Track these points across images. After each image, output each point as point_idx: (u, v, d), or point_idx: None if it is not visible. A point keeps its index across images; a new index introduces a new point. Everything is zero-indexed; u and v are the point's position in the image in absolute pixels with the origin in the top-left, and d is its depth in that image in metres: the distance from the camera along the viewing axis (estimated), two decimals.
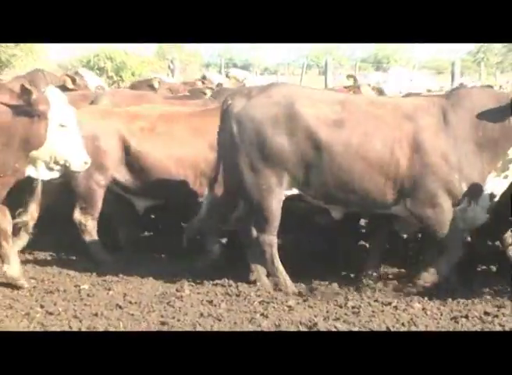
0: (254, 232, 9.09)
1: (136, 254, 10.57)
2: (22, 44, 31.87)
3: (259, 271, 9.16)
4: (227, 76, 12.73)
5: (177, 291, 9.01)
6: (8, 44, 31.58)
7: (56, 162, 8.76)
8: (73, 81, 13.39)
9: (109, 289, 9.07)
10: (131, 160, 10.38)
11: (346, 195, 8.88)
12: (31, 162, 8.74)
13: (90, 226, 10.29)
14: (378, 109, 8.88)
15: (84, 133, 9.24)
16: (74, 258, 10.49)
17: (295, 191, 9.01)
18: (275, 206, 8.93)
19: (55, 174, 8.95)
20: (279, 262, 9.11)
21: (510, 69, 40.92)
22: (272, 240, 9.03)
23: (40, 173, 8.83)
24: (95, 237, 10.32)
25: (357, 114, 8.80)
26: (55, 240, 10.89)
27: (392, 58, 64.06)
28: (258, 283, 9.08)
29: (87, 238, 10.31)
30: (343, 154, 8.70)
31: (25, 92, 8.31)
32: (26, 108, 8.35)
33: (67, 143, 8.71)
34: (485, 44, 44.01)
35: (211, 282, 9.28)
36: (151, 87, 14.19)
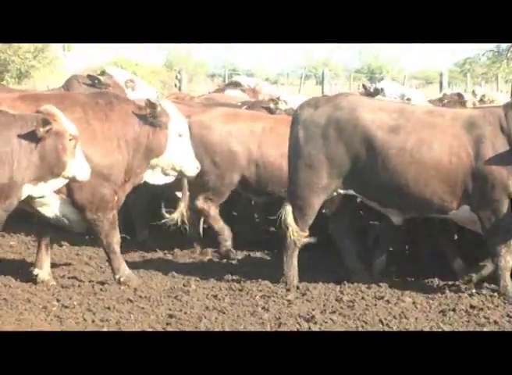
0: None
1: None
2: (39, 57, 31.84)
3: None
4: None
5: (184, 286, 9.03)
6: (28, 56, 31.56)
7: (173, 169, 8.98)
8: (99, 81, 13.25)
9: (121, 284, 9.08)
10: (255, 159, 10.60)
11: (400, 199, 8.86)
12: (150, 168, 8.98)
13: (213, 213, 10.57)
14: (436, 118, 8.85)
15: (217, 136, 9.92)
16: (88, 255, 10.50)
17: (351, 192, 9.03)
18: (316, 207, 9.02)
19: (170, 179, 9.23)
20: (296, 257, 9.14)
21: (493, 80, 40.84)
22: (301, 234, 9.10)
23: (157, 178, 8.99)
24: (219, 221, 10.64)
25: (414, 121, 8.79)
26: (71, 238, 10.91)
27: (385, 69, 64.00)
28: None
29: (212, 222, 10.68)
30: (397, 158, 8.70)
31: (150, 106, 8.43)
32: (151, 120, 8.50)
33: (183, 151, 8.95)
34: (471, 56, 43.99)
35: (215, 278, 9.31)
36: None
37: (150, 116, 8.70)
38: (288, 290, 8.85)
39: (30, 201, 8.40)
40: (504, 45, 41.65)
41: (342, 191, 9.02)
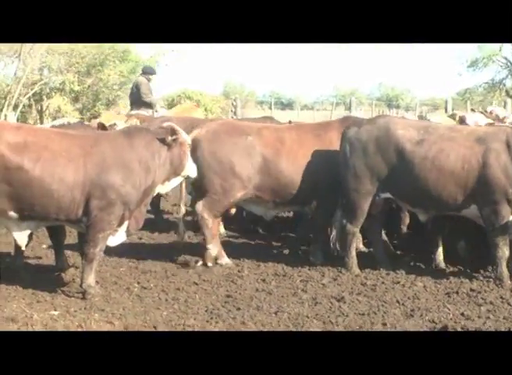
0: (344, 222, 9.07)
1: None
2: (123, 88, 31.98)
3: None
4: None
5: (238, 271, 9.02)
6: (114, 87, 31.68)
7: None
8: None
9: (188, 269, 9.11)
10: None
11: (424, 200, 8.79)
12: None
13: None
14: (454, 133, 8.77)
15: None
16: (162, 244, 10.54)
17: (388, 195, 8.97)
18: (365, 207, 8.96)
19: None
20: (354, 249, 9.13)
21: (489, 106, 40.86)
22: (355, 231, 9.08)
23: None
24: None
25: (436, 135, 8.71)
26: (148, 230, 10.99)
27: (400, 98, 63.77)
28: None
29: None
30: (421, 166, 8.65)
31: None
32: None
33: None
34: (470, 87, 43.78)
35: (264, 265, 9.30)
36: None
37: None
38: (323, 275, 8.81)
39: None
40: (497, 78, 41.36)
41: (382, 195, 8.97)
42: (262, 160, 9.27)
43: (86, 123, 13.74)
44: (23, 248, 8.23)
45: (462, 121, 11.42)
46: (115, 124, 10.59)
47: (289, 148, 9.37)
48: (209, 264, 9.20)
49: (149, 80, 15.84)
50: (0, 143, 7.45)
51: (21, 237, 7.92)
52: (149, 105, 15.19)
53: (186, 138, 8.34)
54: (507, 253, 8.49)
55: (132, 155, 7.90)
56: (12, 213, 7.62)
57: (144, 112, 14.12)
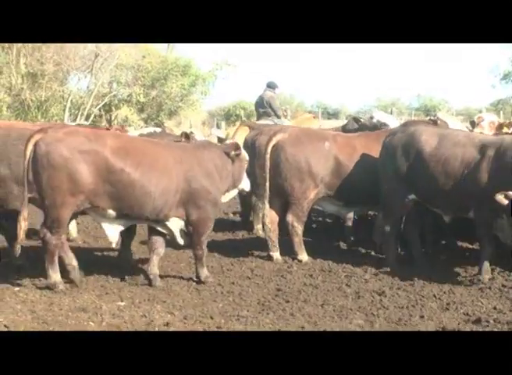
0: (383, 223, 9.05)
1: None
2: (185, 99, 32.12)
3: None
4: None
5: (288, 267, 9.00)
6: (176, 99, 31.85)
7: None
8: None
9: (242, 265, 9.11)
10: None
11: (439, 201, 8.66)
12: None
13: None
14: (464, 138, 8.58)
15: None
16: (218, 241, 10.50)
17: (413, 196, 8.84)
18: (400, 206, 8.85)
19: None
20: (394, 248, 9.08)
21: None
22: (393, 232, 8.98)
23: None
24: None
25: (450, 142, 8.53)
26: None
27: (437, 108, 63.06)
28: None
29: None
30: (435, 170, 8.50)
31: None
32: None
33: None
34: (503, 98, 43.27)
35: (311, 261, 9.26)
36: None
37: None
38: (365, 271, 8.74)
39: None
40: None
41: (409, 196, 8.84)
42: (335, 163, 9.40)
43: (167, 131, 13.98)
44: (114, 245, 8.30)
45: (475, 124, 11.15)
46: (192, 133, 10.66)
47: (358, 153, 9.48)
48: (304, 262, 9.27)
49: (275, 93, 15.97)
50: (105, 148, 7.60)
51: (114, 233, 8.04)
52: (275, 116, 15.24)
53: (245, 155, 8.52)
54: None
55: (212, 164, 8.17)
56: (110, 211, 7.77)
57: (271, 122, 14.19)
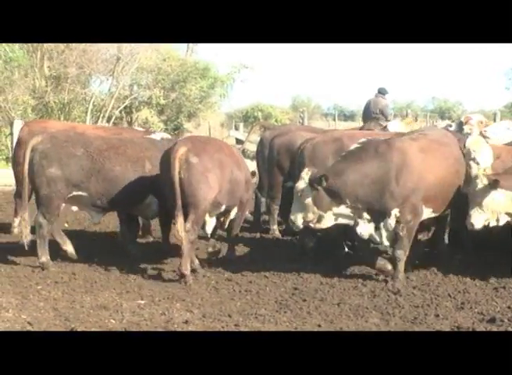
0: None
1: None
2: (204, 101, 32.14)
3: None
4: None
5: (305, 267, 8.94)
6: (195, 101, 31.88)
7: None
8: None
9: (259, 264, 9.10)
10: None
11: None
12: None
13: None
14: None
15: None
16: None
17: None
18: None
19: None
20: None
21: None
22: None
23: None
24: None
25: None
26: None
27: (452, 110, 62.82)
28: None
29: None
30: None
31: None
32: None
33: None
34: None
35: (327, 261, 9.21)
36: None
37: None
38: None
39: None
40: None
41: None
42: None
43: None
44: (209, 235, 8.91)
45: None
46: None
47: None
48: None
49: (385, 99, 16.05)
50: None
51: (212, 225, 8.71)
52: (381, 121, 15.24)
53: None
54: None
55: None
56: (223, 207, 8.56)
57: (378, 126, 14.23)
